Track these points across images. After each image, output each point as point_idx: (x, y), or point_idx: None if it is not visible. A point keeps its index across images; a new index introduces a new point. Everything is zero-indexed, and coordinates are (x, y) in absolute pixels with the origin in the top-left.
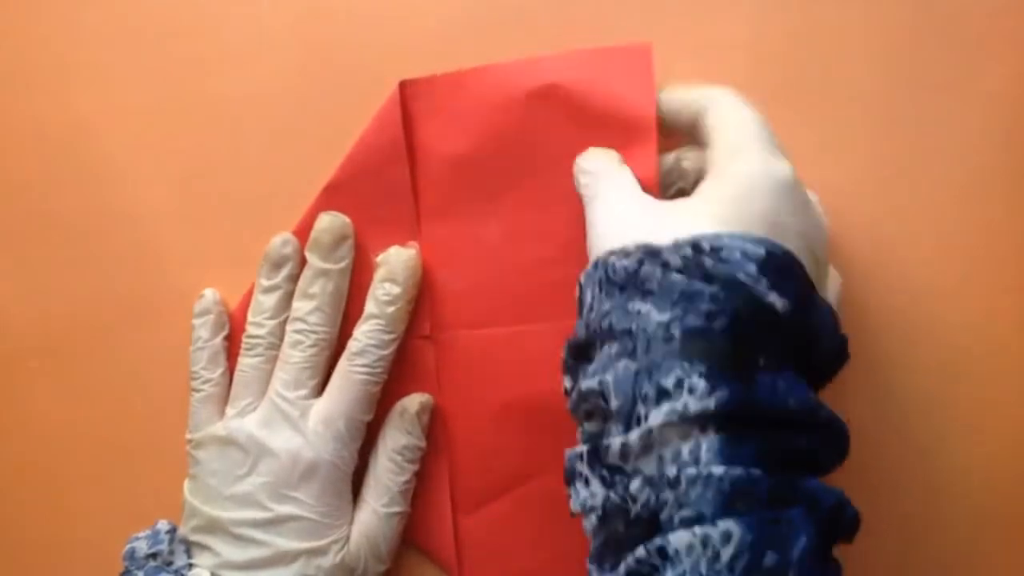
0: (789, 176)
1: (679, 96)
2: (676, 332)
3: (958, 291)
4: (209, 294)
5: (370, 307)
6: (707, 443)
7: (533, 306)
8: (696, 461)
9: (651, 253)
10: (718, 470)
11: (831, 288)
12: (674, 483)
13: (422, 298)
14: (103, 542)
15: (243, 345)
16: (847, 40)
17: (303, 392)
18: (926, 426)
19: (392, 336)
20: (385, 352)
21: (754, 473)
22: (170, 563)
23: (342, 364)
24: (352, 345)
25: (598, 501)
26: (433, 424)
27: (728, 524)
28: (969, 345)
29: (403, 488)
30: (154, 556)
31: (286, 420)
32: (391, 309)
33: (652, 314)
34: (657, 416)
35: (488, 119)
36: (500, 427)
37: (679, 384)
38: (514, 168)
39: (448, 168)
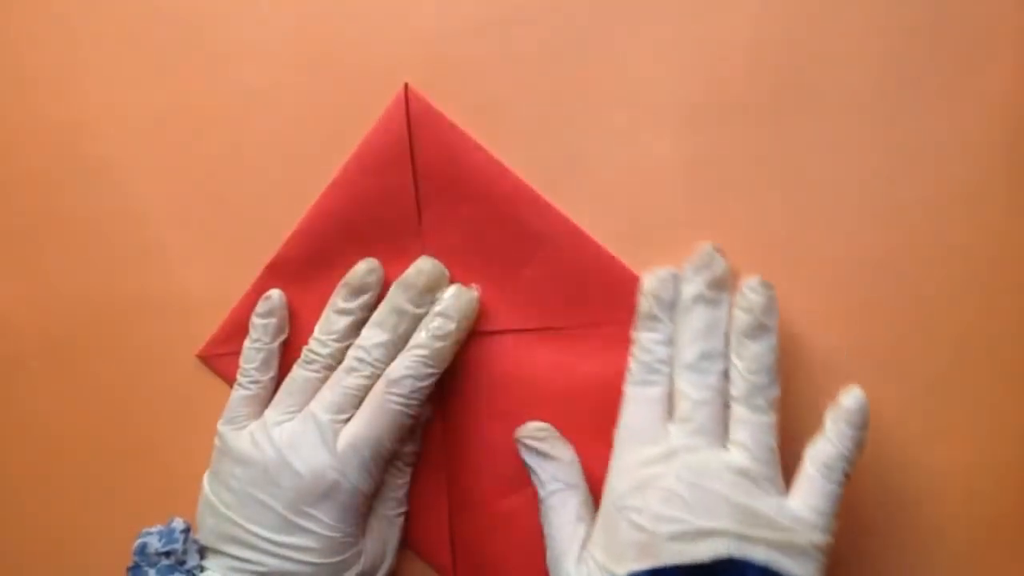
0: (633, 479)
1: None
2: None
3: (958, 291)
4: (276, 296)
5: (419, 337)
6: None
7: (535, 310)
8: None
9: None
10: None
11: None
12: None
13: None
14: (103, 541)
15: (302, 356)
16: (847, 40)
17: (343, 416)
18: (926, 426)
19: (434, 371)
20: (423, 384)
21: None
22: (183, 562)
23: (379, 390)
24: (390, 372)
25: None
26: (430, 426)
27: None
28: (969, 345)
29: (406, 490)
30: (167, 554)
31: (319, 438)
32: (440, 344)
33: None
34: None
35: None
36: (499, 431)
37: None
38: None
39: (451, 169)
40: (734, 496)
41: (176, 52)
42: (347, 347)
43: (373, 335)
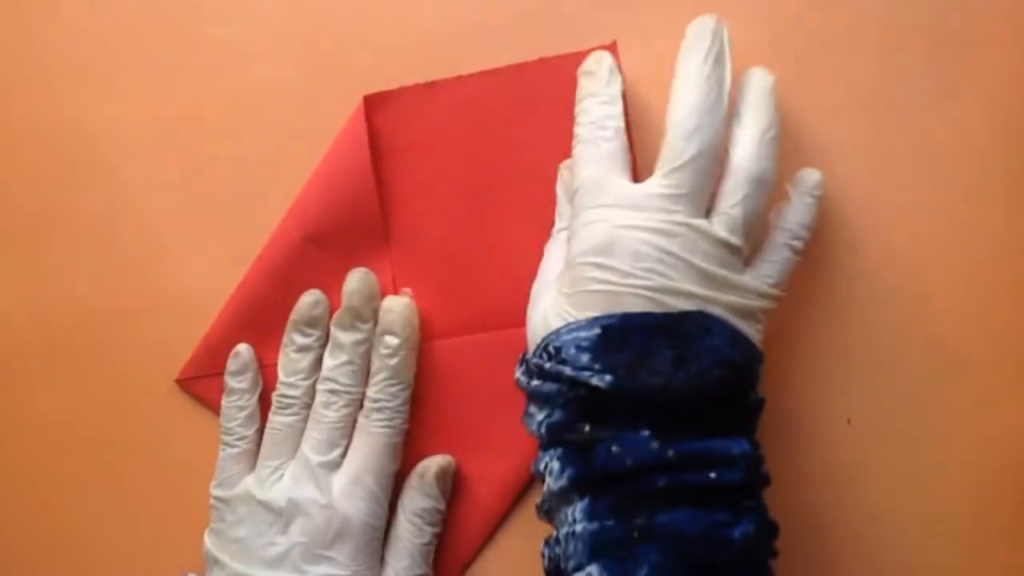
0: (598, 233)
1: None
2: (543, 429)
3: (958, 291)
4: (244, 351)
5: (375, 362)
6: (578, 506)
7: (502, 313)
8: (572, 521)
9: (526, 364)
10: (581, 527)
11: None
12: (563, 540)
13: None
14: (102, 542)
15: (275, 403)
16: (847, 40)
17: (336, 452)
18: (926, 426)
19: (402, 386)
20: (398, 402)
21: (607, 524)
22: None
23: (362, 422)
24: (367, 403)
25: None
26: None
27: (591, 568)
28: (969, 345)
29: (423, 550)
30: None
31: (318, 481)
32: (394, 361)
33: (536, 415)
34: (546, 491)
35: (457, 131)
36: (481, 427)
37: (548, 468)
38: (483, 179)
39: (416, 181)
40: (704, 264)
41: (175, 54)
42: (315, 382)
43: (334, 362)
